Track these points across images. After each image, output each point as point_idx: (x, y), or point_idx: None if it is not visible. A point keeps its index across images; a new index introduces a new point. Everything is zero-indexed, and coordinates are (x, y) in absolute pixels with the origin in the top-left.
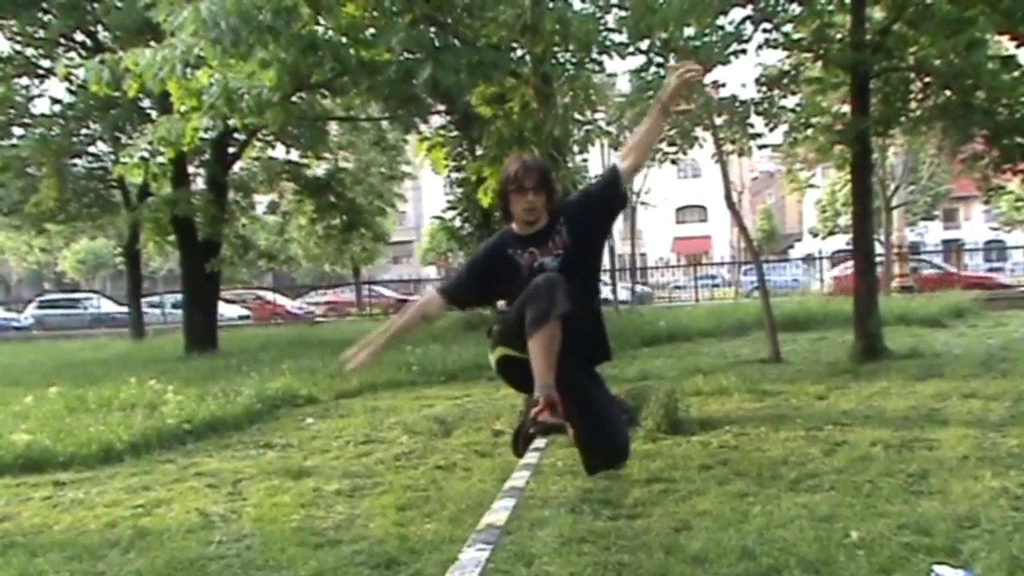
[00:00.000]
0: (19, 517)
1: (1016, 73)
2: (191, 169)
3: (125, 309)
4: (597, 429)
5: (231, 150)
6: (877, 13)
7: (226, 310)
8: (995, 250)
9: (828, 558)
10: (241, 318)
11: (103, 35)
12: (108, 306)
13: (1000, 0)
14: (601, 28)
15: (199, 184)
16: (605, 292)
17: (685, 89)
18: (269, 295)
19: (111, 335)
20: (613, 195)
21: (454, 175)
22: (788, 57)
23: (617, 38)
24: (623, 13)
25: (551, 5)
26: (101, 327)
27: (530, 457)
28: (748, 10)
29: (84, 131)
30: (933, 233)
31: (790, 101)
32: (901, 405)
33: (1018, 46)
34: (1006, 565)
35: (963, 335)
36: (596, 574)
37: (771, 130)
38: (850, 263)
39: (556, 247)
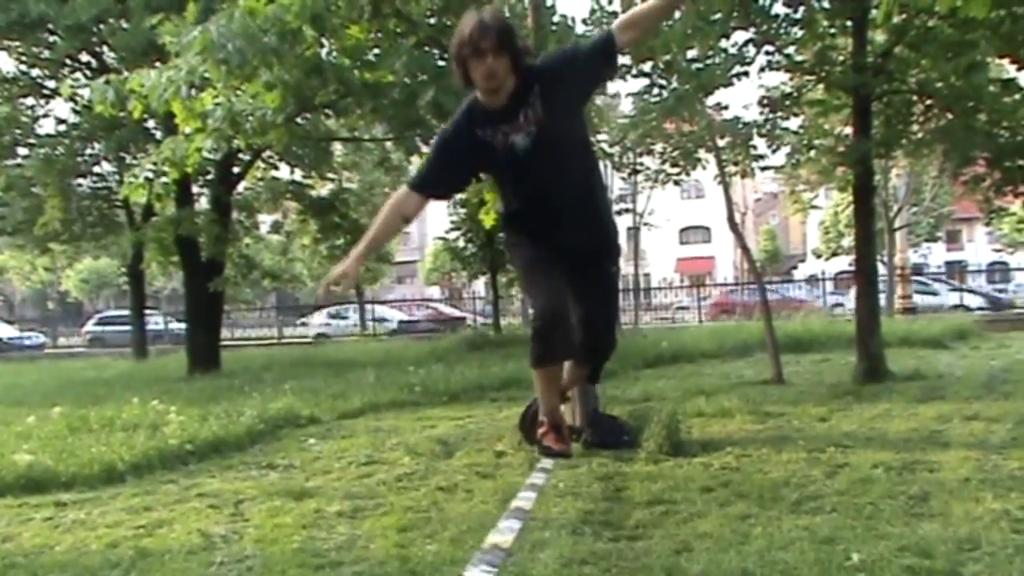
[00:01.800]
0: (20, 538)
1: (1017, 96)
2: (195, 189)
3: (19, 333)
4: (584, 335)
5: (235, 170)
6: (879, 36)
7: (388, 313)
8: (998, 271)
9: None
10: (401, 323)
11: (108, 56)
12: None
13: (1001, 24)
14: None
15: (203, 204)
16: None
17: None
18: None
19: (169, 352)
20: (603, 65)
21: (457, 196)
22: (790, 79)
23: (619, 60)
24: None
25: (553, 28)
26: (162, 344)
27: (536, 478)
28: (750, 33)
29: (89, 151)
30: (936, 255)
31: (792, 123)
32: (903, 427)
33: (1019, 69)
34: None
35: (966, 357)
36: None
37: (774, 151)
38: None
39: (528, 123)
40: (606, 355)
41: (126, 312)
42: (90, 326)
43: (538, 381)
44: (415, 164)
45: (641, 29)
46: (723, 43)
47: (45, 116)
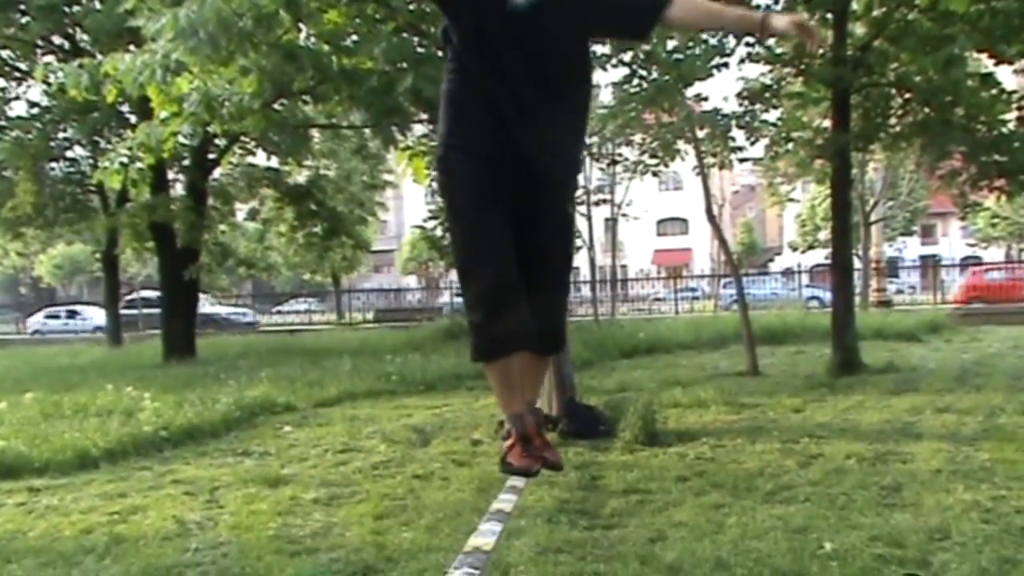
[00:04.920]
0: None
1: (994, 91)
2: (171, 175)
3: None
4: (534, 307)
5: (211, 156)
6: (859, 29)
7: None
8: (971, 266)
9: (801, 569)
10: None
11: (82, 39)
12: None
13: (980, 18)
14: None
15: (179, 190)
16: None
17: (792, 32)
18: None
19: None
20: (635, 21)
21: (435, 184)
22: (770, 71)
23: (600, 50)
24: None
25: None
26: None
27: (518, 480)
28: None
29: (62, 135)
30: (911, 249)
31: (771, 115)
32: (876, 419)
33: (997, 64)
34: None
35: (939, 350)
36: None
37: (752, 144)
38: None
39: None
40: (555, 330)
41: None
42: (125, 309)
43: (492, 379)
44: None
45: (694, 18)
46: (703, 34)
47: (16, 99)
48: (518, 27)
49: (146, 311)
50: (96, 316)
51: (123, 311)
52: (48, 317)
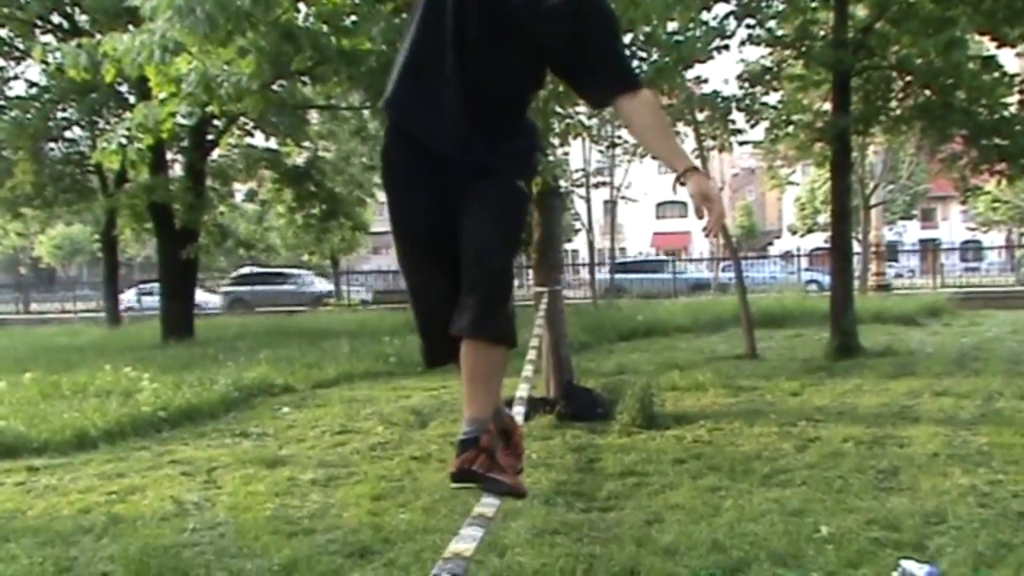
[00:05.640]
0: None
1: (996, 74)
2: (169, 156)
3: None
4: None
5: (210, 137)
6: (860, 11)
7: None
8: (971, 250)
9: (797, 552)
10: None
11: (81, 18)
12: (321, 284)
13: (982, 1)
14: None
15: (177, 171)
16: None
17: (697, 200)
18: None
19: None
20: (594, 90)
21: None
22: (771, 54)
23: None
24: None
25: None
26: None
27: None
28: (732, 5)
29: (61, 115)
30: (911, 232)
31: (772, 98)
32: (874, 402)
33: (999, 47)
34: (971, 560)
35: (937, 333)
36: (568, 566)
37: (752, 126)
38: None
39: None
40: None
41: (266, 270)
42: (228, 287)
43: (463, 370)
44: None
45: (643, 124)
46: (704, 15)
47: (15, 78)
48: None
49: (247, 288)
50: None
51: (231, 289)
52: (142, 294)
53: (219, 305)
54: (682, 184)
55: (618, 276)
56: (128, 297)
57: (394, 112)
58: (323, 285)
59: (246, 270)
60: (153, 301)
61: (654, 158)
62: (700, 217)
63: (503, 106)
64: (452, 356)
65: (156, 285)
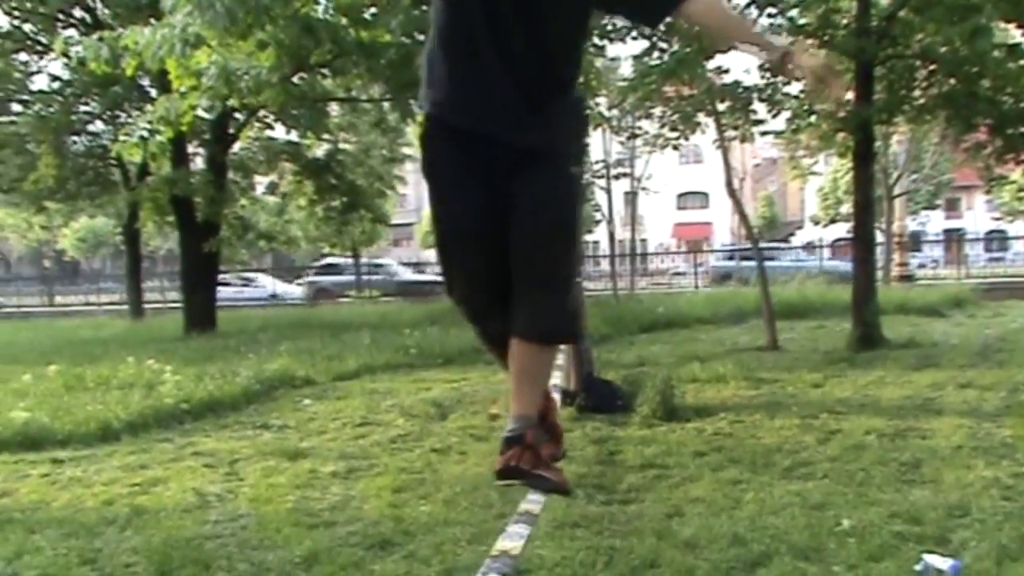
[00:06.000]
0: (17, 494)
1: (1022, 62)
2: (191, 149)
3: (423, 277)
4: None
5: (231, 130)
6: None
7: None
8: (996, 240)
9: (819, 545)
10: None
11: (102, 12)
12: (406, 273)
13: None
14: None
15: (199, 164)
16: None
17: (815, 77)
18: None
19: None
20: (649, 5)
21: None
22: (793, 43)
23: (620, 22)
24: None
25: None
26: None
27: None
28: None
29: (84, 109)
30: (935, 222)
31: (793, 88)
32: (896, 394)
33: None
34: (994, 554)
35: (961, 325)
36: (588, 559)
37: (774, 117)
38: None
39: None
40: (554, 316)
41: (342, 260)
42: (311, 277)
43: (511, 367)
44: (412, 126)
45: (715, 19)
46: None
47: (38, 72)
48: None
49: (327, 279)
50: (270, 285)
51: (311, 280)
52: (219, 285)
53: (302, 295)
54: (780, 67)
55: (727, 263)
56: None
57: (438, 110)
58: (408, 274)
59: (329, 260)
60: (232, 292)
61: (739, 48)
62: (819, 90)
63: (550, 70)
64: (498, 340)
65: (237, 277)
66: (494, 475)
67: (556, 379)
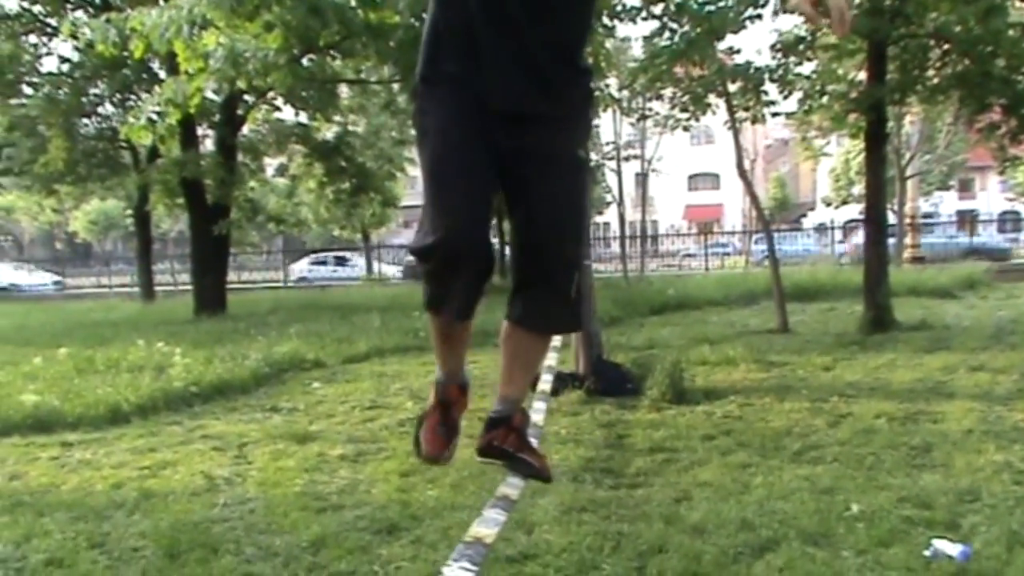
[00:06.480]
0: (27, 476)
1: None
2: (200, 131)
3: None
4: (525, 274)
5: (240, 112)
6: None
7: None
8: (1010, 221)
9: (828, 530)
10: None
11: None
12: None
13: None
14: None
15: (208, 146)
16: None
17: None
18: None
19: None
20: None
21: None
22: (804, 23)
23: (630, 2)
24: None
25: None
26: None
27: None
28: None
29: (93, 91)
30: (948, 203)
31: (805, 68)
32: (907, 377)
33: None
34: (1005, 539)
35: (973, 307)
36: (596, 543)
37: (785, 97)
38: None
39: None
40: (562, 317)
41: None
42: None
43: (432, 330)
44: None
45: None
46: None
47: (48, 54)
48: None
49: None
50: (363, 263)
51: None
52: (315, 263)
53: (397, 275)
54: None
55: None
56: (301, 267)
57: (440, 78)
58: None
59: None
60: (327, 271)
61: None
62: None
63: (556, 39)
64: (461, 313)
65: (327, 255)
66: (476, 452)
67: (551, 360)
